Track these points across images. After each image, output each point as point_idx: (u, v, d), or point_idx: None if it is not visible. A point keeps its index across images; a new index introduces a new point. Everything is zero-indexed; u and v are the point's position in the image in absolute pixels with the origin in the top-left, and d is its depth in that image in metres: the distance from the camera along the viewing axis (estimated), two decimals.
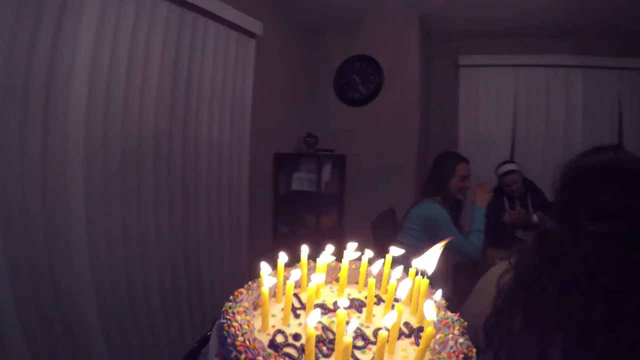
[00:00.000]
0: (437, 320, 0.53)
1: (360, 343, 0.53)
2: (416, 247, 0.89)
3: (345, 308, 0.46)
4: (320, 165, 2.51)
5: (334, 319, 0.55)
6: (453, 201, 2.00)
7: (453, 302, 0.69)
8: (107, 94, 1.35)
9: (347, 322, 0.44)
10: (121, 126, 1.42)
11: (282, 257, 0.62)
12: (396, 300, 0.55)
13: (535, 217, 2.33)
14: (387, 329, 0.44)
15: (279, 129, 2.58)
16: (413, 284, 0.61)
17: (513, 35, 2.98)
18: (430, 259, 0.61)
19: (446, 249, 0.66)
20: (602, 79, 2.90)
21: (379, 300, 0.65)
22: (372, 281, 0.59)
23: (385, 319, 0.45)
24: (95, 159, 1.31)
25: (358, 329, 0.55)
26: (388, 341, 0.47)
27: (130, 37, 1.41)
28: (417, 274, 0.62)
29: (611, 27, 2.67)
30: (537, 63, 2.94)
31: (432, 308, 0.48)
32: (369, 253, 0.69)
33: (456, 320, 0.55)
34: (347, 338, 0.41)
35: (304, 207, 2.69)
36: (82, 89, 1.27)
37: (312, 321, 0.43)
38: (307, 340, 0.42)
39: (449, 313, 0.58)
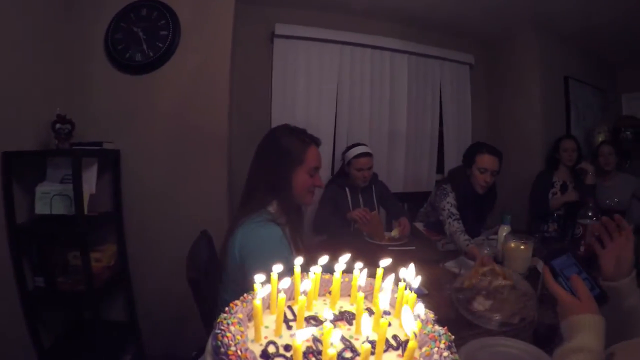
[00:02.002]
0: (425, 333, 0.73)
1: (348, 354, 0.70)
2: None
3: (336, 320, 0.66)
4: (78, 169, 2.14)
5: None
6: (297, 209, 1.78)
7: None
8: None
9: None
10: None
11: (277, 268, 0.80)
12: (387, 313, 0.76)
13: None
14: (369, 340, 0.59)
15: (10, 109, 2.10)
16: (402, 298, 0.82)
17: (339, 11, 3.54)
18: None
19: None
20: (425, 66, 3.98)
21: (370, 313, 0.84)
22: (360, 295, 0.77)
23: (365, 329, 0.62)
24: None
25: (347, 340, 0.73)
26: (374, 353, 0.64)
27: None
28: (406, 288, 0.82)
29: (435, 19, 3.71)
30: (364, 43, 3.63)
31: (411, 319, 0.66)
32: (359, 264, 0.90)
33: (443, 334, 0.74)
34: (332, 350, 0.55)
35: (63, 241, 2.31)
36: None
37: (301, 337, 0.58)
38: (294, 352, 0.57)
39: (436, 327, 0.76)
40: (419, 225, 2.92)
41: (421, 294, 1.73)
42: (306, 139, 1.73)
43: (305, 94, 3.52)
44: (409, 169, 3.99)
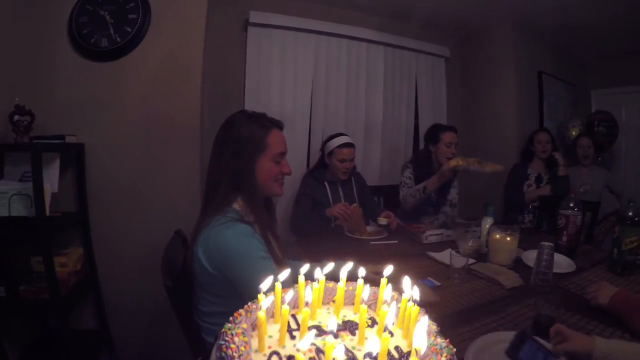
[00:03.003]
0: (427, 346, 0.72)
1: None
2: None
3: (339, 330, 0.67)
4: (38, 165, 2.00)
5: None
6: (265, 201, 1.68)
7: None
8: None
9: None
10: None
11: (283, 275, 0.82)
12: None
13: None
14: (373, 357, 0.59)
15: None
16: (405, 309, 0.82)
17: (316, 0, 3.57)
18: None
19: None
20: (401, 58, 4.04)
21: (373, 323, 0.85)
22: (363, 307, 0.76)
23: (370, 345, 0.61)
24: None
25: (350, 351, 0.72)
26: None
27: None
28: (409, 299, 0.81)
29: (412, 11, 3.80)
30: (340, 33, 3.63)
31: (424, 336, 0.67)
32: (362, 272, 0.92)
33: (445, 347, 0.74)
34: None
35: (23, 246, 2.20)
36: None
37: (304, 345, 0.60)
38: None
39: (438, 339, 0.76)
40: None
41: (433, 286, 1.76)
42: (266, 122, 1.59)
43: (280, 84, 3.47)
44: (384, 161, 4.02)
